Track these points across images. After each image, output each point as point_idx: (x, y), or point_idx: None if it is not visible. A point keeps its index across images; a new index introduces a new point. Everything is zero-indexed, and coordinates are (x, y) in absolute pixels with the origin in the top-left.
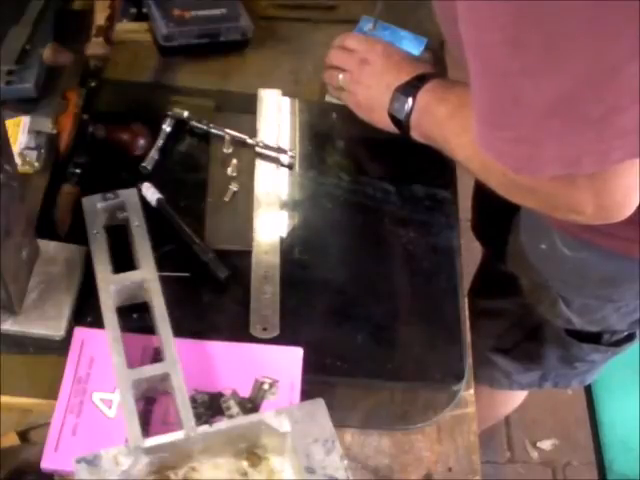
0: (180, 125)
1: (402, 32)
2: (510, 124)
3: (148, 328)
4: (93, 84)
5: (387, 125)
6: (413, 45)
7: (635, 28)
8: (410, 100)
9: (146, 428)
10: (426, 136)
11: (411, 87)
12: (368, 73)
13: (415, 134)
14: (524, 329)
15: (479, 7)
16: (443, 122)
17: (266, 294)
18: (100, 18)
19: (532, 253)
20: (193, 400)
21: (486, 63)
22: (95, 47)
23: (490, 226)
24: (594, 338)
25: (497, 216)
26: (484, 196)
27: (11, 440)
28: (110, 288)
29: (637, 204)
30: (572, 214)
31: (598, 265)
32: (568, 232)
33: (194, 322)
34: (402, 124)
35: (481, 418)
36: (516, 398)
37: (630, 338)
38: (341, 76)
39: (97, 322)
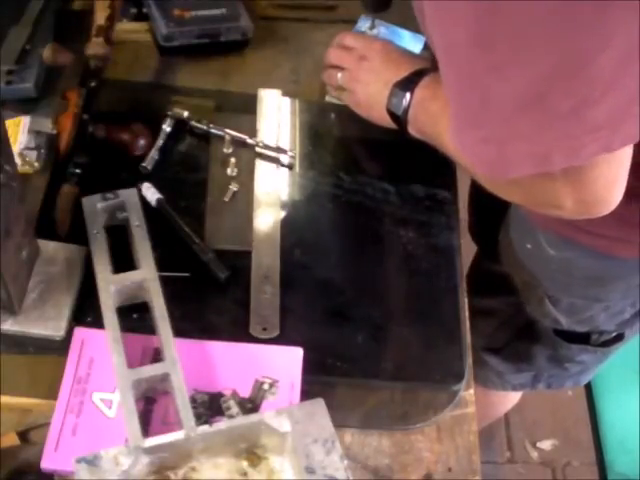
0: (180, 125)
1: (401, 31)
2: (479, 123)
3: (148, 328)
4: (93, 84)
5: (387, 122)
6: (412, 44)
7: (603, 19)
8: (408, 95)
9: (146, 428)
10: (422, 132)
11: (409, 82)
12: (366, 70)
13: (412, 130)
14: (513, 328)
15: (443, 5)
16: (436, 118)
17: (266, 294)
18: (100, 18)
19: (520, 252)
20: (193, 400)
21: (453, 61)
22: (95, 47)
23: (485, 226)
24: (583, 338)
25: (492, 215)
26: (480, 196)
27: (11, 440)
28: (110, 288)
29: (619, 199)
30: (553, 208)
31: (583, 264)
32: (552, 231)
33: (194, 322)
34: (400, 119)
35: (477, 417)
36: (511, 398)
37: (619, 339)
38: (340, 75)
39: (97, 322)
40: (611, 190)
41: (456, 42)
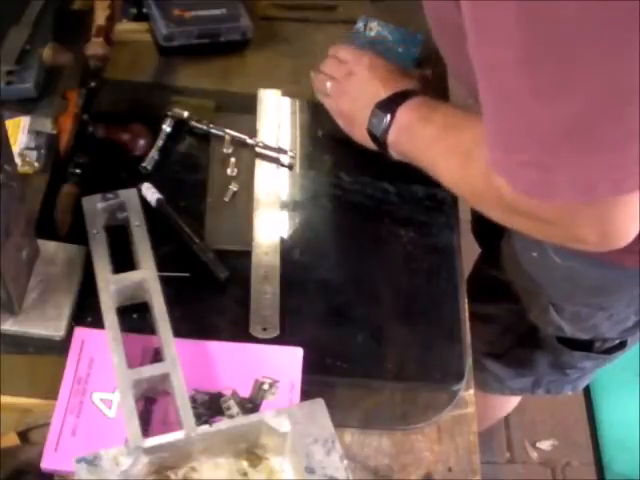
0: (180, 125)
1: (400, 31)
2: (521, 147)
3: (148, 328)
4: (93, 84)
5: (366, 141)
6: (411, 44)
7: None
8: (388, 116)
9: (146, 428)
10: (406, 156)
11: (391, 103)
12: (353, 85)
13: (393, 152)
14: (516, 335)
15: (491, 26)
16: (429, 143)
17: (266, 294)
18: (100, 18)
19: (524, 260)
20: (193, 400)
21: (497, 82)
22: (95, 47)
23: (489, 230)
24: (585, 346)
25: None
26: None
27: (11, 440)
28: (110, 288)
29: (637, 232)
30: (574, 242)
31: (588, 273)
32: None
33: (194, 322)
34: (379, 141)
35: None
36: (511, 402)
37: (621, 346)
38: (329, 84)
39: (97, 322)
40: (633, 225)
41: (501, 61)
